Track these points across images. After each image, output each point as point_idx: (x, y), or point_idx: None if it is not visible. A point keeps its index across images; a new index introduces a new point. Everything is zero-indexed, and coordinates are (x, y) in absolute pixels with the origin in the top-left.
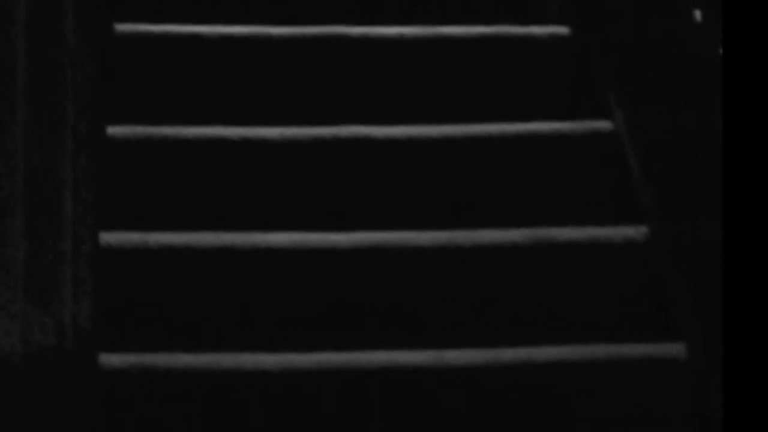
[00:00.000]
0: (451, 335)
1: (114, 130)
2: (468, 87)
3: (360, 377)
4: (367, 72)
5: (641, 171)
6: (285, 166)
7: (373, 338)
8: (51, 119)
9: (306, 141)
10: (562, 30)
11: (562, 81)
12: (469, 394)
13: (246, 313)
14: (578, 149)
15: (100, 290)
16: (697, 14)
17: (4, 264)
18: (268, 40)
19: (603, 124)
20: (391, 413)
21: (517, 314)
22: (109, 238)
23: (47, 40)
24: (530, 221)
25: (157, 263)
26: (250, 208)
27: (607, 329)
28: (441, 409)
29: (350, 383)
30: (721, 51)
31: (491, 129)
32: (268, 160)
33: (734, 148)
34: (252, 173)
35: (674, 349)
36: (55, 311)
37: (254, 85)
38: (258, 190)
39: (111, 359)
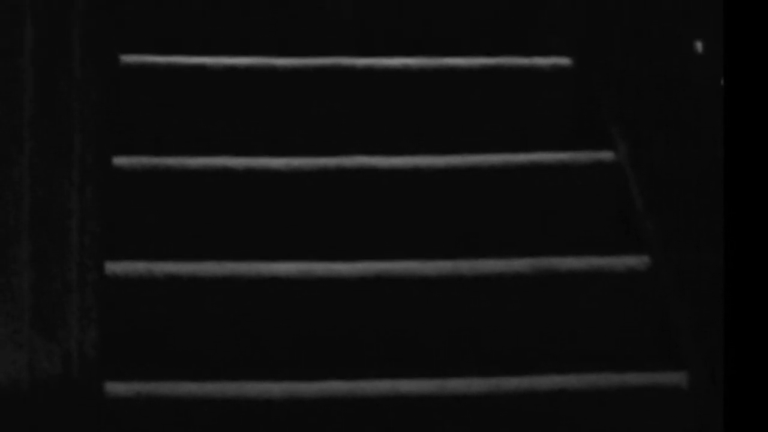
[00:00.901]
0: (454, 364)
1: (120, 161)
2: (472, 117)
3: (364, 406)
4: (371, 103)
5: (643, 201)
6: (290, 196)
7: (377, 367)
8: (57, 150)
9: (310, 171)
10: (564, 61)
11: (565, 112)
12: (473, 423)
13: (251, 342)
14: (581, 179)
15: (105, 319)
16: (699, 45)
17: (10, 293)
18: (273, 71)
19: (606, 155)
20: None
21: (520, 343)
22: (115, 267)
23: (54, 71)
24: (533, 251)
25: (163, 292)
26: (255, 238)
27: (609, 358)
28: None
29: (354, 412)
30: (722, 82)
31: (495, 159)
32: (272, 190)
33: (735, 178)
34: (257, 203)
35: (676, 377)
36: (62, 340)
37: (259, 116)
38: (263, 220)
39: (116, 387)
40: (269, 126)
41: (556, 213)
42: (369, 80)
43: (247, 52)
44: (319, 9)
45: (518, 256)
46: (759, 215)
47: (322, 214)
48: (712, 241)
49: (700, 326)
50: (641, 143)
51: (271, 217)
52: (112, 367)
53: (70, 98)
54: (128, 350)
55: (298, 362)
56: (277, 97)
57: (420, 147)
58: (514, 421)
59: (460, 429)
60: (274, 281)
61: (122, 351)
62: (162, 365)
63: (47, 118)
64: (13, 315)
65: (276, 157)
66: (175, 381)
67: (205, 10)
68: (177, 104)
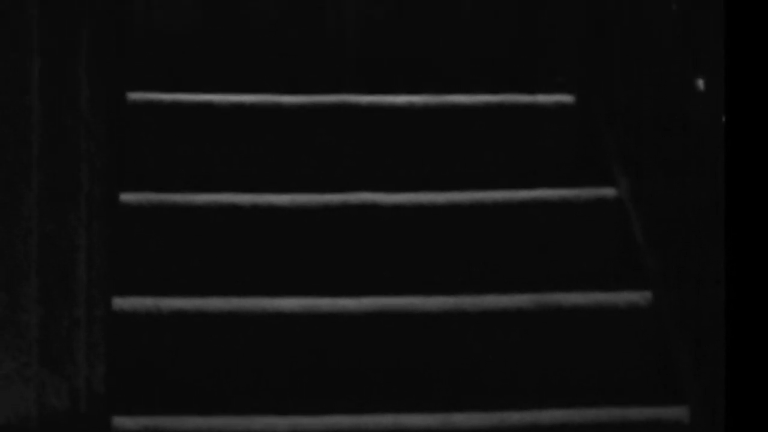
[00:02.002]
0: (458, 399)
1: (127, 197)
2: (475, 154)
3: None
4: (376, 140)
5: (645, 237)
6: (294, 233)
7: (380, 401)
8: (65, 186)
9: (315, 208)
10: (567, 98)
11: (567, 148)
12: None
13: (256, 377)
14: (583, 216)
15: (113, 354)
16: (700, 83)
17: (18, 329)
18: (279, 108)
19: (608, 191)
20: None
21: (523, 378)
22: (122, 303)
23: (61, 108)
24: (536, 286)
25: (169, 328)
26: (260, 274)
27: (612, 392)
28: None
29: None
30: (723, 119)
31: (497, 196)
32: (278, 226)
33: (736, 215)
34: (262, 239)
35: (678, 412)
36: (70, 375)
37: (265, 153)
38: (268, 256)
39: (124, 422)
40: (275, 162)
41: (558, 249)
42: (374, 117)
43: (253, 90)
44: (324, 47)
45: (521, 291)
46: (760, 252)
47: (327, 250)
48: (713, 277)
49: (701, 361)
50: (643, 180)
51: (276, 252)
52: (119, 401)
53: (78, 135)
54: (135, 385)
55: (302, 396)
56: (282, 133)
57: (423, 183)
58: None
59: None
60: (279, 316)
61: (129, 385)
62: (169, 400)
63: (55, 154)
64: (22, 350)
65: (281, 194)
66: (181, 415)
67: (211, 51)
68: (184, 141)
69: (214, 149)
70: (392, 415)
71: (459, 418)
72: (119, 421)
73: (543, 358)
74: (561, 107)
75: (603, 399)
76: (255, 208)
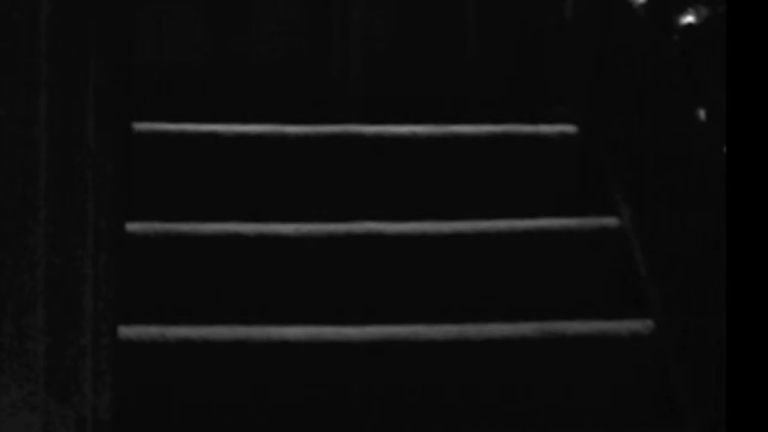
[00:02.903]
0: (461, 427)
1: (133, 227)
2: (478, 183)
3: None
4: (380, 169)
5: (647, 266)
6: (300, 262)
7: (386, 429)
8: (72, 218)
9: (320, 237)
10: (570, 129)
11: (570, 178)
12: None
13: (262, 405)
14: (586, 245)
15: (119, 382)
16: (702, 113)
17: (25, 358)
18: (284, 138)
19: (610, 221)
20: None
21: (527, 405)
22: (128, 332)
23: (68, 141)
24: (539, 315)
25: (176, 356)
26: (266, 303)
27: (614, 420)
28: None
29: None
30: (725, 149)
31: (501, 225)
32: (283, 255)
33: (737, 244)
34: (267, 268)
35: None
36: (76, 404)
37: (270, 182)
38: (273, 285)
39: None
40: (280, 192)
41: (561, 277)
42: (378, 147)
43: (257, 120)
44: (329, 79)
45: (524, 320)
46: (761, 281)
47: (331, 279)
48: (714, 307)
49: (702, 391)
50: (645, 209)
51: (282, 281)
52: (126, 430)
53: (84, 166)
54: (142, 413)
55: (308, 425)
56: (287, 163)
57: (427, 213)
58: None
59: None
60: (285, 345)
61: (136, 414)
62: (175, 428)
63: (61, 186)
64: (29, 379)
65: (286, 223)
66: None
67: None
68: (190, 171)
69: (220, 179)
70: None
71: None
72: None
73: (546, 386)
74: (563, 137)
75: (606, 426)
76: (260, 238)
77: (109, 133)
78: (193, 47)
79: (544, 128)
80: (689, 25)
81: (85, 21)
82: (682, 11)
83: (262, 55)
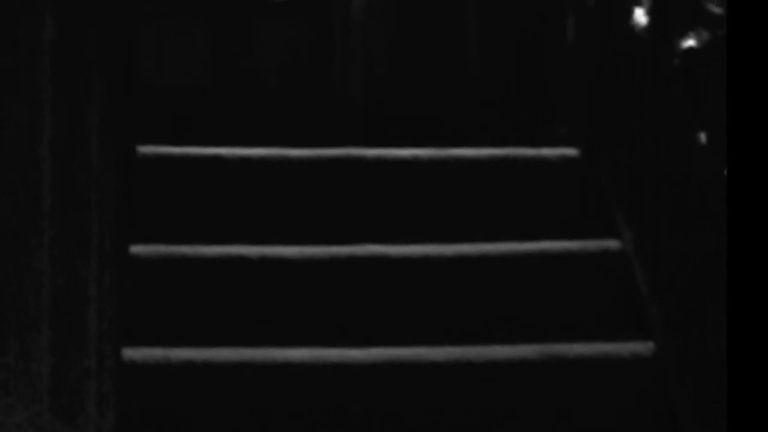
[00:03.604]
0: None
1: (137, 249)
2: (481, 206)
3: None
4: (382, 192)
5: (648, 288)
6: (303, 284)
7: None
8: (76, 239)
9: (323, 260)
10: (571, 151)
11: (571, 201)
12: None
13: (266, 426)
14: (587, 267)
15: (123, 404)
16: (702, 136)
17: (30, 378)
18: (287, 161)
19: (611, 243)
20: None
21: (529, 427)
22: (132, 353)
23: (72, 161)
24: (541, 337)
25: (179, 378)
26: (269, 325)
27: None
28: None
29: None
30: (725, 172)
31: (503, 248)
32: (286, 277)
33: (738, 266)
34: (271, 290)
35: None
36: (80, 425)
37: (273, 205)
38: (277, 307)
39: None
40: (283, 215)
41: (563, 299)
42: (380, 170)
43: (261, 143)
44: (331, 101)
45: (527, 342)
46: (761, 303)
47: (335, 301)
48: (715, 327)
49: (704, 410)
50: (646, 232)
51: (285, 304)
52: None
53: (88, 188)
54: None
55: None
56: (290, 186)
57: (430, 235)
58: None
59: None
60: (288, 367)
61: None
62: None
63: (66, 207)
64: (33, 399)
65: (289, 246)
66: None
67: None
68: (193, 194)
69: (223, 201)
70: None
71: None
72: None
73: (548, 407)
74: (565, 160)
75: None
76: (263, 260)
77: (113, 154)
78: (195, 67)
79: (546, 151)
80: (690, 48)
81: (89, 42)
82: (683, 35)
83: (264, 74)
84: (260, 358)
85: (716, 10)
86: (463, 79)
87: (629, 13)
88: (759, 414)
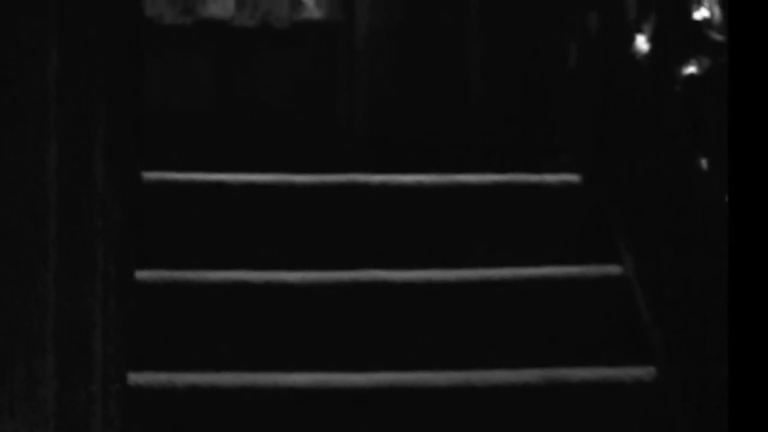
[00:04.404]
0: None
1: (142, 275)
2: (483, 231)
3: None
4: (386, 218)
5: (649, 313)
6: (306, 309)
7: None
8: (81, 265)
9: (326, 285)
10: (573, 178)
11: (573, 226)
12: None
13: None
14: (589, 293)
15: (128, 428)
16: (704, 162)
17: (35, 402)
18: (291, 187)
19: (613, 269)
20: None
21: None
22: (137, 378)
23: (78, 188)
24: (544, 362)
25: (184, 403)
26: (273, 350)
27: None
28: None
29: None
30: (726, 198)
31: (505, 273)
32: (290, 303)
33: (739, 292)
34: (274, 316)
35: None
36: None
37: (277, 231)
38: (280, 332)
39: None
40: (287, 240)
41: (565, 324)
42: (384, 196)
43: (266, 168)
44: (335, 127)
45: (529, 367)
46: (763, 328)
47: (338, 327)
48: (717, 352)
49: None
50: (647, 257)
51: (289, 329)
52: None
53: (94, 214)
54: None
55: None
56: (294, 212)
57: (433, 261)
58: None
59: None
60: (291, 391)
61: None
62: None
63: (71, 233)
64: (38, 424)
65: (293, 271)
66: None
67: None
68: (198, 219)
69: (228, 227)
70: None
71: None
72: None
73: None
74: (567, 186)
75: None
76: (267, 286)
77: (118, 181)
78: (200, 94)
79: (548, 177)
80: (691, 75)
81: (94, 69)
82: (684, 62)
83: (268, 101)
84: (264, 383)
85: (717, 37)
86: (465, 107)
87: (631, 41)
88: None
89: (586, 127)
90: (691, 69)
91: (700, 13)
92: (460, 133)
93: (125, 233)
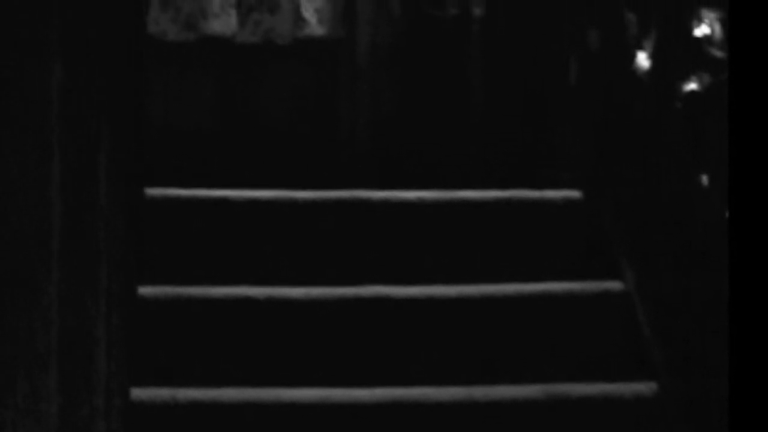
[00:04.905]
0: None
1: (145, 290)
2: (485, 247)
3: None
4: (388, 234)
5: (651, 329)
6: (309, 324)
7: None
8: (85, 280)
9: (329, 300)
10: (574, 194)
11: (574, 242)
12: None
13: None
14: (590, 308)
15: None
16: (704, 178)
17: (38, 418)
18: (294, 203)
19: (614, 284)
20: None
21: None
22: (140, 393)
23: (81, 204)
24: (545, 377)
25: (186, 418)
26: (276, 365)
27: None
28: None
29: None
30: (727, 214)
31: (507, 289)
32: (292, 318)
33: (739, 307)
34: (277, 331)
35: None
36: None
37: (280, 246)
38: (283, 347)
39: None
40: (290, 256)
41: (566, 340)
42: (386, 212)
43: (268, 184)
44: (337, 143)
45: (530, 382)
46: (763, 345)
47: (340, 342)
48: (718, 368)
49: None
50: (648, 273)
51: (291, 344)
52: None
53: (97, 229)
54: None
55: None
56: (297, 228)
57: (435, 276)
58: None
59: None
60: (294, 407)
61: None
62: None
63: (75, 248)
64: None
65: (296, 287)
66: None
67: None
68: (200, 235)
69: (231, 243)
70: None
71: None
72: None
73: None
74: (568, 202)
75: None
76: (270, 301)
77: (121, 196)
78: (203, 110)
79: (549, 193)
80: (692, 91)
81: (97, 84)
82: (685, 78)
83: (271, 117)
84: (266, 398)
85: (718, 53)
86: (467, 123)
87: (631, 57)
88: None
89: (587, 144)
90: (691, 85)
91: (701, 30)
92: (462, 148)
93: (128, 249)
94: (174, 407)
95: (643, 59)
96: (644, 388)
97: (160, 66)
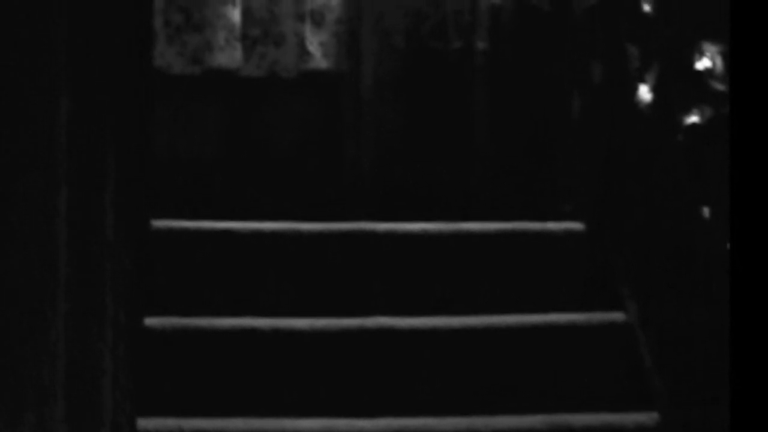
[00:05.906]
0: None
1: (151, 321)
2: (488, 279)
3: None
4: (392, 265)
5: (653, 360)
6: (313, 355)
7: None
8: (91, 311)
9: (334, 331)
10: (577, 226)
11: (577, 274)
12: None
13: None
14: (592, 339)
15: None
16: (706, 211)
17: None
18: (298, 235)
19: (616, 316)
20: None
21: None
22: (146, 423)
23: (87, 235)
24: (547, 407)
25: None
26: (281, 395)
27: None
28: None
29: None
30: (728, 246)
31: (510, 320)
32: (297, 349)
33: (741, 340)
34: (282, 362)
35: None
36: None
37: (284, 278)
38: (288, 378)
39: None
40: (294, 287)
41: (568, 371)
42: (390, 244)
43: (273, 216)
44: (342, 175)
45: (533, 412)
46: (764, 377)
47: (344, 372)
48: (719, 399)
49: None
50: (650, 304)
51: (296, 375)
52: None
53: (103, 261)
54: None
55: None
56: (302, 259)
57: (438, 308)
58: None
59: None
60: None
61: None
62: None
63: (81, 280)
64: None
65: (300, 318)
66: None
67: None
68: (206, 267)
69: (236, 275)
70: None
71: None
72: None
73: None
74: (570, 234)
75: None
76: (275, 332)
77: (127, 228)
78: (208, 143)
79: (552, 225)
80: (693, 124)
81: (104, 117)
82: (687, 111)
83: (276, 149)
84: (271, 428)
85: (719, 87)
86: (470, 155)
87: (634, 90)
88: None
89: (589, 176)
90: (693, 118)
91: (702, 63)
92: (465, 180)
93: (134, 280)
94: None
95: (645, 92)
96: (646, 418)
97: (165, 98)
